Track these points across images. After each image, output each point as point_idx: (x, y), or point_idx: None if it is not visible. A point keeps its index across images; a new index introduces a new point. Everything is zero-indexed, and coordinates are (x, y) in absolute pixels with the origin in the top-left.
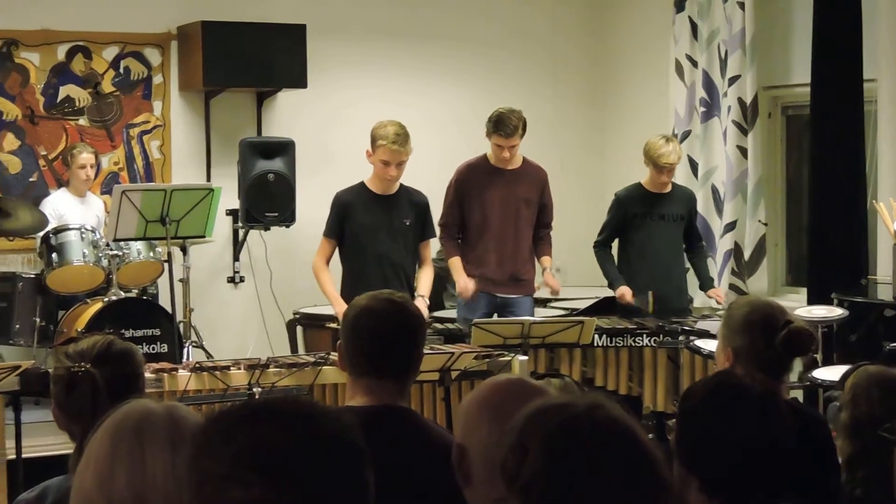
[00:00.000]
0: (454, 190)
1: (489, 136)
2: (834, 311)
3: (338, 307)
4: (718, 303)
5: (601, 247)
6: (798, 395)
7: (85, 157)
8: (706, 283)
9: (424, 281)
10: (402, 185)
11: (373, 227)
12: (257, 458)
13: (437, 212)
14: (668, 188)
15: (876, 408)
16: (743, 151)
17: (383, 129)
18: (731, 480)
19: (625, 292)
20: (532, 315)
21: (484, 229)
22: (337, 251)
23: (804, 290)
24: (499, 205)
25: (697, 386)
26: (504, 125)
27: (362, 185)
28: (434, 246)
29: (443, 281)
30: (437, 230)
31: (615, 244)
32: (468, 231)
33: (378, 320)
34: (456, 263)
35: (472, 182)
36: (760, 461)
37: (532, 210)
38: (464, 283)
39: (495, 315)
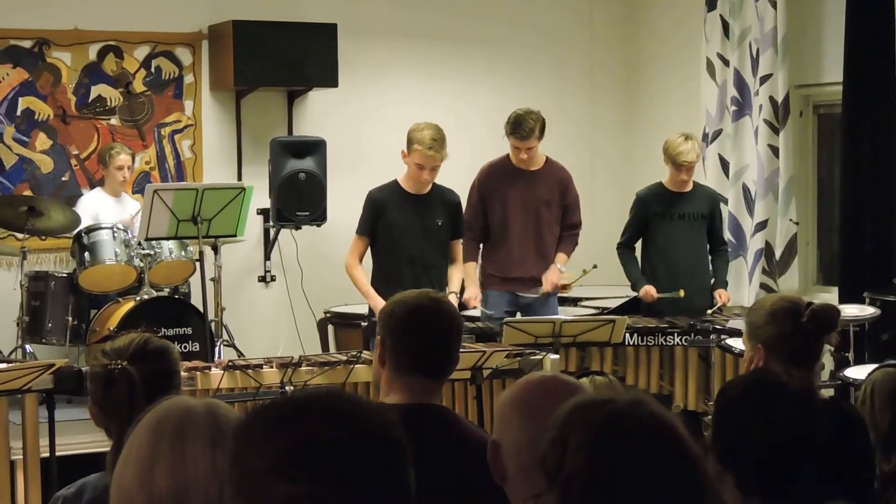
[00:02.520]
0: (476, 191)
1: (508, 137)
2: (866, 310)
3: (373, 302)
4: (723, 305)
5: (624, 248)
6: (829, 394)
7: (123, 157)
8: (717, 285)
9: (455, 278)
10: (434, 184)
11: (406, 226)
12: (302, 454)
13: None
14: (689, 187)
15: (877, 416)
16: (774, 150)
17: (420, 133)
18: (767, 476)
19: (649, 291)
20: (556, 315)
21: (505, 230)
22: (368, 250)
23: (835, 290)
24: (519, 206)
25: (735, 382)
26: (521, 127)
27: (396, 183)
28: None
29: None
30: None
31: (639, 244)
32: (490, 232)
33: (429, 318)
34: (469, 270)
35: (493, 183)
36: (797, 457)
37: (554, 212)
38: (473, 293)
39: (518, 314)
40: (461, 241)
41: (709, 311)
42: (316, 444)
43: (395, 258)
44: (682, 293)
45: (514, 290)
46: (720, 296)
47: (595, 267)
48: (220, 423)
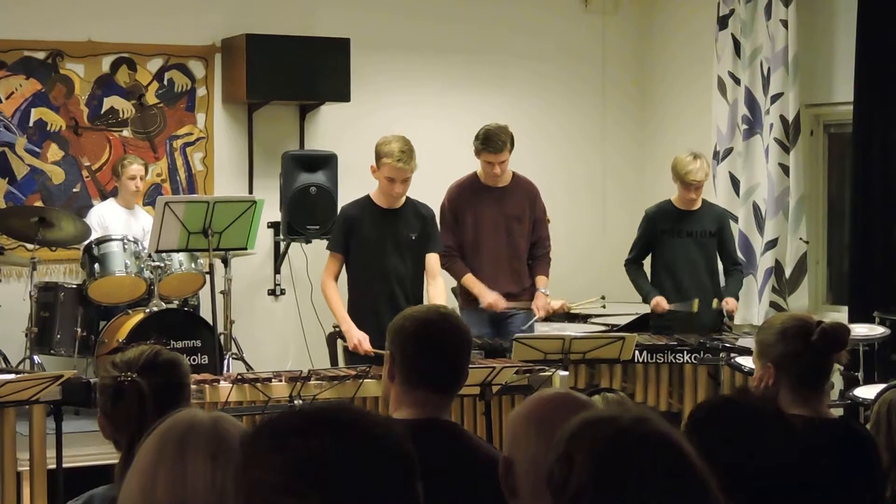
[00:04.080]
0: (448, 211)
1: (478, 155)
2: (875, 330)
3: (344, 325)
4: (729, 313)
5: (632, 264)
6: (838, 413)
7: (135, 168)
8: (726, 294)
9: (439, 296)
10: (408, 198)
11: (378, 241)
12: (308, 469)
13: None
14: (698, 205)
15: (895, 438)
16: (785, 169)
17: (388, 146)
18: (733, 500)
19: (660, 301)
20: (531, 328)
21: (478, 247)
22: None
23: (845, 309)
24: (490, 223)
25: (702, 405)
26: (492, 142)
27: (368, 198)
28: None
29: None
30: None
31: (648, 262)
32: (463, 249)
33: (439, 333)
34: (471, 279)
35: (464, 201)
36: (763, 480)
37: (525, 226)
38: (494, 298)
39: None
40: (438, 255)
41: (713, 305)
42: (322, 458)
43: (369, 273)
44: (695, 305)
45: None
46: (727, 302)
47: (603, 297)
48: (223, 437)
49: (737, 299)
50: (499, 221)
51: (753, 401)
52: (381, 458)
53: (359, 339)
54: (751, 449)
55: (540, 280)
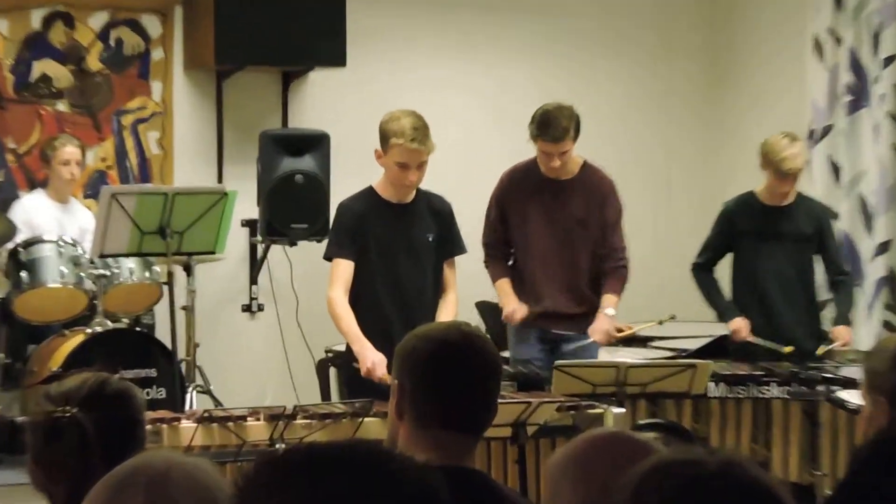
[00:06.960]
0: (495, 203)
1: (534, 140)
2: None
3: (357, 346)
4: (842, 345)
5: (701, 270)
6: None
7: (69, 150)
8: (837, 320)
9: (446, 313)
10: (419, 190)
11: (388, 243)
12: None
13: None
14: (790, 199)
15: None
16: None
17: (396, 124)
18: None
19: (741, 326)
20: (595, 355)
21: (530, 253)
22: None
23: None
24: (547, 224)
25: (864, 446)
26: (551, 127)
27: (371, 191)
28: (466, 268)
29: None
30: (482, 250)
31: (727, 274)
32: (515, 253)
33: (460, 358)
34: (504, 286)
35: (516, 193)
36: None
37: (591, 232)
38: (511, 308)
39: (552, 353)
40: (455, 262)
41: (818, 351)
42: None
43: (377, 283)
44: (787, 350)
45: (545, 325)
46: (838, 334)
47: (673, 318)
48: (168, 486)
49: (849, 323)
50: (556, 223)
51: None
52: None
53: (374, 361)
54: None
55: (606, 299)
